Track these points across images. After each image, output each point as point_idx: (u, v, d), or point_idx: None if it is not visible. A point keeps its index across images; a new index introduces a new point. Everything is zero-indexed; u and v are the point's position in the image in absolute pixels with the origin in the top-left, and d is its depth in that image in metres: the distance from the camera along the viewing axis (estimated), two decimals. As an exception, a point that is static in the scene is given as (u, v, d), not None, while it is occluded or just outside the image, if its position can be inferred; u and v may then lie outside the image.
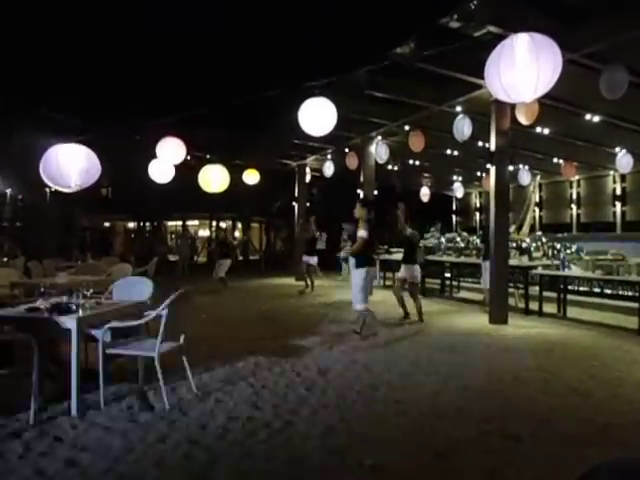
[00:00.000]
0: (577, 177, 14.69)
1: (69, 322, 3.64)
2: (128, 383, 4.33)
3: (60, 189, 5.45)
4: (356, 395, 4.18)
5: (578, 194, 15.32)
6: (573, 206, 15.39)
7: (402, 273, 7.86)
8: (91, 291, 4.39)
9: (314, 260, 11.31)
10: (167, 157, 8.40)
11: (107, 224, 24.04)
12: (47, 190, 17.62)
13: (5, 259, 10.77)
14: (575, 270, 8.12)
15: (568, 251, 10.13)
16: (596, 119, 8.72)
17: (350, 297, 6.63)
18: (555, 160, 12.78)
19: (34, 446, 3.13)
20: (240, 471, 2.86)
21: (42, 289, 4.33)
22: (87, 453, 3.03)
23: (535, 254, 9.93)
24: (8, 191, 17.46)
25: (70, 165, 5.15)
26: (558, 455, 3.03)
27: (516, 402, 4.01)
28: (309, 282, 11.19)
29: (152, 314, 4.06)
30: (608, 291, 7.53)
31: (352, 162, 11.88)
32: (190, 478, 2.79)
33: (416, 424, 3.56)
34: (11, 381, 3.59)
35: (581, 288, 7.99)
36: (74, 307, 3.82)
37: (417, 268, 7.71)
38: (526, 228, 11.24)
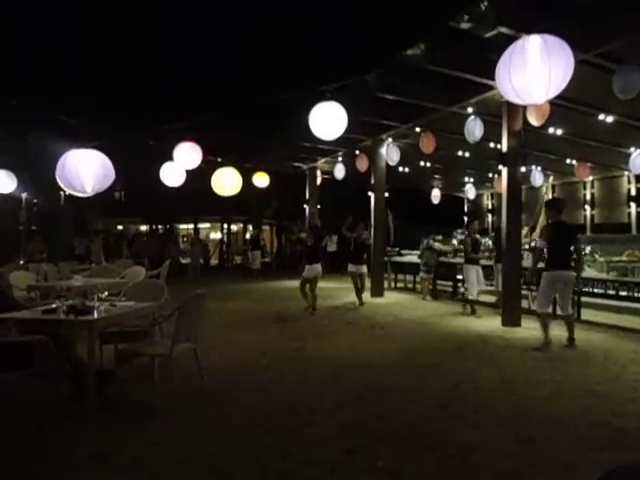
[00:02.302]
0: (591, 178, 14.52)
1: (85, 324, 3.71)
2: (143, 383, 4.38)
3: (76, 194, 5.54)
4: (369, 395, 4.19)
5: (592, 195, 15.14)
6: (587, 207, 15.21)
7: (350, 268, 9.60)
8: (106, 293, 4.46)
9: (318, 269, 8.77)
10: (183, 161, 8.50)
11: (120, 227, 24.31)
12: (61, 194, 17.91)
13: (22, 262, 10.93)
14: (589, 272, 8.03)
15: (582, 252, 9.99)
16: (609, 119, 8.63)
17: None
18: (568, 161, 12.66)
19: (53, 444, 3.19)
20: (258, 468, 2.88)
21: (59, 292, 4.40)
22: (102, 450, 3.09)
23: (548, 256, 9.81)
24: (23, 195, 17.74)
25: (85, 171, 5.23)
26: (573, 458, 3.00)
27: (530, 404, 3.98)
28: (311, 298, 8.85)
29: (166, 316, 4.11)
30: (623, 293, 7.43)
31: (363, 164, 11.89)
32: (207, 472, 2.82)
33: (430, 425, 3.56)
34: (30, 381, 3.66)
35: (595, 290, 7.88)
36: (89, 309, 3.88)
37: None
38: (539, 230, 11.13)
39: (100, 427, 3.48)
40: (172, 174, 9.05)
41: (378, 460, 2.97)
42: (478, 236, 9.02)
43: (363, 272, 9.43)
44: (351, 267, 9.44)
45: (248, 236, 22.22)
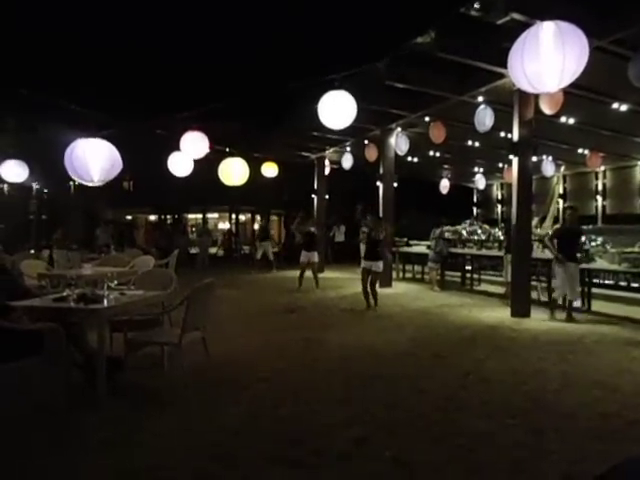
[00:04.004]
0: (603, 168, 14.30)
1: (95, 312, 3.74)
2: (152, 371, 4.42)
3: (83, 183, 5.56)
4: (378, 385, 4.19)
5: (604, 185, 14.92)
6: (599, 197, 15.00)
7: (303, 257, 10.51)
8: (115, 282, 4.48)
9: (315, 256, 10.61)
10: (190, 151, 8.49)
11: (129, 217, 24.43)
12: (71, 184, 18.02)
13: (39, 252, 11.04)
14: (600, 263, 7.94)
15: (593, 243, 9.90)
16: (623, 108, 8.47)
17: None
18: (580, 150, 12.47)
19: (63, 430, 3.23)
20: (265, 456, 2.90)
21: (69, 280, 4.43)
22: (112, 437, 3.12)
23: (559, 247, 9.72)
24: (34, 185, 17.87)
25: (92, 160, 5.23)
26: (582, 450, 2.99)
27: (539, 396, 3.96)
28: (306, 276, 10.40)
29: (175, 305, 4.13)
30: (635, 284, 7.36)
31: (371, 154, 11.81)
32: (215, 459, 2.84)
33: (440, 416, 3.56)
34: (41, 368, 3.69)
35: (606, 281, 7.81)
36: (99, 298, 3.91)
37: (316, 254, 10.71)
38: (549, 220, 11.02)
39: (110, 414, 3.52)
40: (180, 164, 9.06)
41: (386, 449, 2.98)
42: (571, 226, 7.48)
43: (378, 270, 8.19)
44: (365, 263, 8.37)
45: (257, 226, 22.25)
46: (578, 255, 7.21)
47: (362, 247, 13.68)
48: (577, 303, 7.59)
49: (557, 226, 8.19)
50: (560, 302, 7.23)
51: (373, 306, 8.06)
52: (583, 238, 7.81)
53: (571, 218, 7.44)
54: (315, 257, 10.64)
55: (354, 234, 14.57)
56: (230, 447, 3.03)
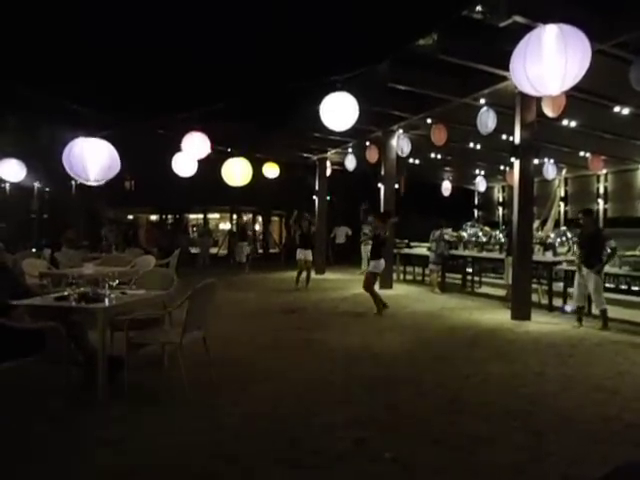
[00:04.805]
0: (604, 171, 14.31)
1: (96, 311, 3.74)
2: (153, 371, 4.42)
3: (81, 181, 5.57)
4: (378, 386, 4.19)
5: (605, 188, 14.92)
6: (600, 201, 15.00)
7: (299, 255, 10.73)
8: (116, 282, 4.49)
9: (309, 254, 10.78)
10: (192, 151, 8.51)
11: (130, 217, 24.45)
12: (72, 183, 18.04)
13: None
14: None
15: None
16: (625, 111, 8.47)
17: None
18: (582, 153, 12.47)
19: (65, 428, 3.24)
20: (265, 456, 2.91)
21: (70, 279, 4.44)
22: (113, 436, 3.13)
23: (560, 249, 9.73)
24: (35, 184, 17.89)
25: (89, 159, 5.24)
26: (582, 452, 2.99)
27: (539, 398, 3.96)
28: (305, 277, 10.70)
29: (175, 304, 4.14)
30: (636, 288, 7.35)
31: (373, 155, 11.81)
32: (214, 459, 2.84)
33: (438, 417, 3.56)
34: (42, 367, 3.71)
35: (607, 284, 7.81)
36: (101, 297, 3.92)
37: (310, 253, 10.85)
38: (551, 223, 11.01)
39: (110, 413, 3.53)
40: (184, 164, 9.08)
41: (386, 451, 2.98)
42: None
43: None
44: (375, 266, 7.94)
45: (258, 227, 22.14)
46: (600, 260, 6.70)
47: (363, 248, 13.73)
48: (568, 307, 7.58)
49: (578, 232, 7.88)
50: (569, 309, 7.11)
51: (382, 308, 7.73)
52: (610, 244, 7.04)
53: (585, 222, 7.07)
54: (310, 255, 10.80)
55: (358, 235, 14.57)
56: (230, 447, 3.04)
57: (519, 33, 4.60)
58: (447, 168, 16.10)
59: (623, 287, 7.60)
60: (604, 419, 3.51)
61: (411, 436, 3.24)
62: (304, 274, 10.76)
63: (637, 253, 8.84)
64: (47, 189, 18.90)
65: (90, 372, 3.85)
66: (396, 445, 3.07)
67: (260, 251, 22.56)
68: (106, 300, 3.87)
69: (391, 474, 2.76)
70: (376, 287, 8.26)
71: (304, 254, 10.72)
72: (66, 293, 4.05)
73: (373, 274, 7.99)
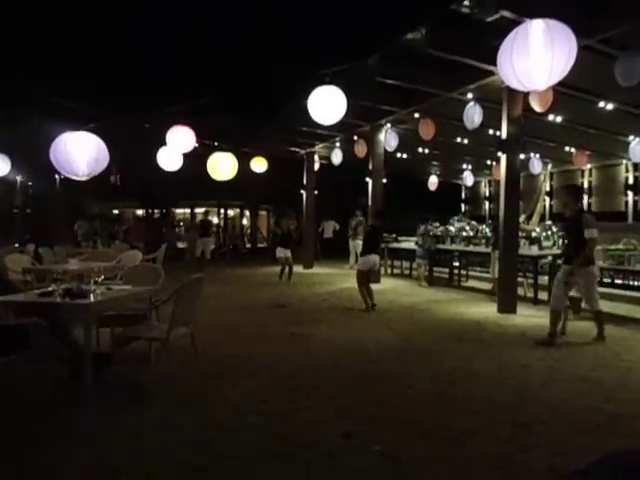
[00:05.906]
0: (589, 166, 14.51)
1: (81, 307, 3.69)
2: (140, 367, 4.39)
3: (69, 176, 5.48)
4: (366, 380, 4.21)
5: (589, 183, 15.13)
6: (584, 195, 15.21)
7: (279, 253, 11.34)
8: (102, 277, 4.43)
9: (288, 253, 11.32)
10: (177, 145, 8.42)
11: (116, 211, 24.17)
12: (57, 177, 17.77)
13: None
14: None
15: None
16: (610, 107, 8.57)
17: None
18: (567, 149, 12.61)
19: (51, 426, 3.20)
20: (253, 451, 2.90)
21: (55, 275, 4.38)
22: (98, 433, 3.09)
23: (545, 243, 9.85)
24: (18, 178, 17.59)
25: (79, 153, 5.17)
26: (567, 443, 3.03)
27: (525, 390, 4.01)
28: (286, 271, 11.28)
29: (162, 300, 4.10)
30: (619, 281, 7.47)
31: (361, 150, 11.81)
32: (200, 454, 2.83)
33: (426, 410, 3.59)
34: (27, 364, 3.65)
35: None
36: (86, 292, 3.86)
37: (289, 251, 11.35)
38: (536, 217, 11.14)
39: (97, 410, 3.49)
40: (169, 158, 8.98)
41: (374, 444, 2.99)
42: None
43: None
44: (368, 261, 7.59)
45: (196, 218, 21.55)
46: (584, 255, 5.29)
47: (351, 243, 13.75)
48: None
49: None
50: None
51: (370, 305, 7.50)
52: (591, 233, 5.25)
53: (566, 202, 5.71)
54: (289, 253, 11.33)
55: (345, 230, 14.58)
56: (217, 442, 3.02)
57: (506, 28, 4.63)
58: (435, 162, 16.16)
59: (607, 280, 7.72)
60: (589, 410, 3.57)
61: (399, 429, 3.25)
62: (287, 269, 11.21)
63: (621, 247, 8.97)
64: (30, 183, 18.60)
65: (75, 369, 3.80)
66: (384, 439, 3.09)
67: (248, 246, 22.51)
68: (91, 296, 3.82)
69: (380, 467, 2.78)
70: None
71: (284, 252, 11.26)
72: (50, 289, 3.99)
73: (361, 272, 7.58)
